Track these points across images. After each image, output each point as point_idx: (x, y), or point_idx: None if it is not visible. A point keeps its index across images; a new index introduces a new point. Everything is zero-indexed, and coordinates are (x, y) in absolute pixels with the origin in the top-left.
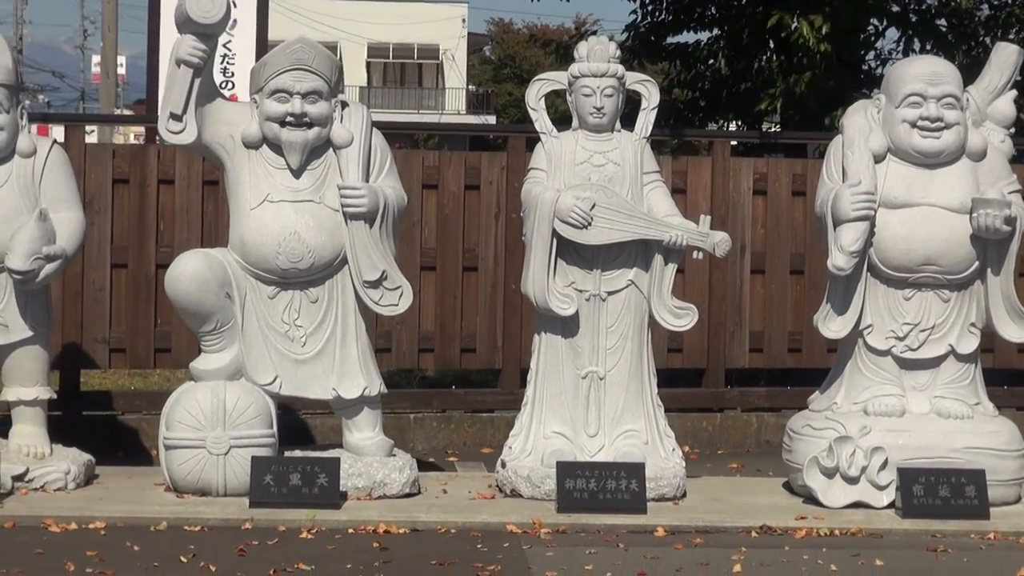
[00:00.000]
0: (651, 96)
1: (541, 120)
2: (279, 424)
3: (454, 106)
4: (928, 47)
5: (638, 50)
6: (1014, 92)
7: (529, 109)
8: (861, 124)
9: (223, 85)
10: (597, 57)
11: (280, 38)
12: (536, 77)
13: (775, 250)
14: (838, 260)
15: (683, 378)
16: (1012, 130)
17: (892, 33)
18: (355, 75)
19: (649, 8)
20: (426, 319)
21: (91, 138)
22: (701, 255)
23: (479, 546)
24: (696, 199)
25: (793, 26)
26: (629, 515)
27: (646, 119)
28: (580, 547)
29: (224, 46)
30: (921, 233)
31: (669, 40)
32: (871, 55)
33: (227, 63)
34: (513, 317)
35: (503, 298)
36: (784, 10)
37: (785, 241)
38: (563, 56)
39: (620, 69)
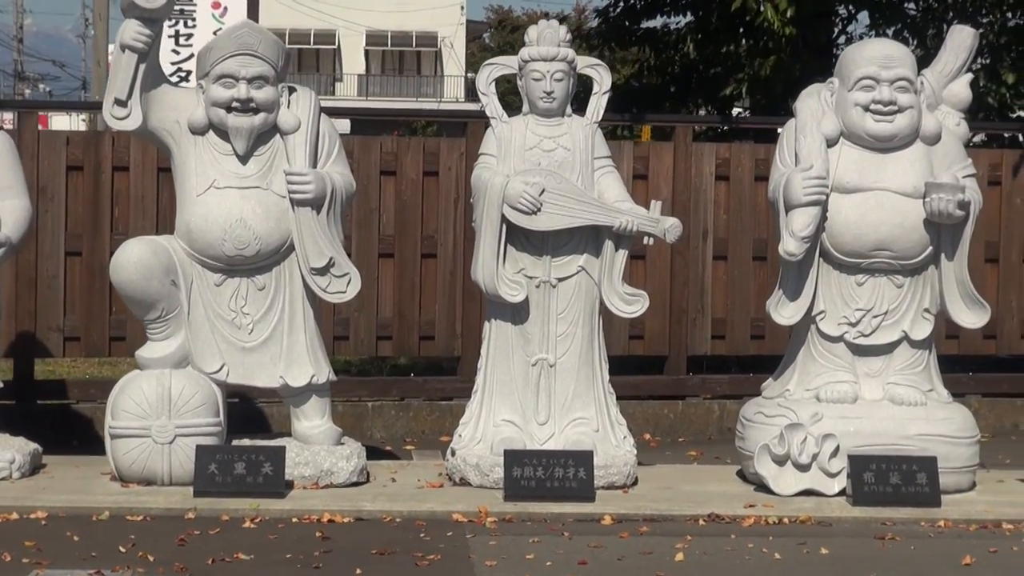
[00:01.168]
0: (602, 80)
1: (491, 105)
2: (234, 412)
3: (453, 94)
4: (898, 30)
5: (609, 35)
6: (970, 75)
7: (479, 94)
8: (814, 108)
9: None
10: (547, 41)
11: (280, 26)
12: (486, 62)
13: (737, 236)
14: (789, 245)
15: (651, 365)
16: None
17: (865, 17)
18: (354, 63)
19: None
20: (384, 306)
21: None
22: (652, 241)
23: (422, 535)
24: (658, 184)
25: (758, 9)
26: (577, 503)
27: (597, 104)
28: (524, 536)
29: (214, 34)
30: (873, 218)
31: (640, 26)
32: (842, 39)
33: None
34: (472, 304)
35: (462, 285)
36: None
37: (748, 226)
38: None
39: (570, 53)
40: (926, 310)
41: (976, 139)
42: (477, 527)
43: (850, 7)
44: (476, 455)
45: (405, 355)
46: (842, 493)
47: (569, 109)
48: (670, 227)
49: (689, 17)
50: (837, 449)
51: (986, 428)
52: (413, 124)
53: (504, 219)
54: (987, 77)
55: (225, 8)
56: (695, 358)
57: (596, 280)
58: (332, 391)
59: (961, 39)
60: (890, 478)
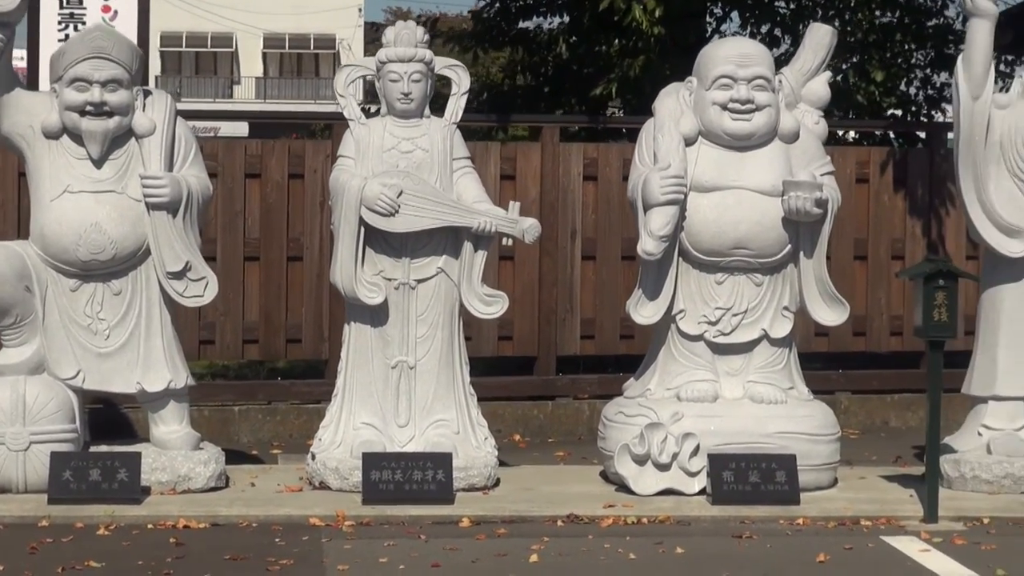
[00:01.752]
0: (461, 81)
1: (349, 107)
2: (99, 418)
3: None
4: (770, 29)
5: (481, 36)
6: (828, 73)
7: (337, 96)
8: (672, 107)
9: None
10: (404, 42)
11: (177, 29)
12: (344, 64)
13: (606, 235)
14: (647, 245)
15: (521, 366)
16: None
17: (738, 17)
18: (251, 66)
19: None
20: (250, 310)
21: None
22: (511, 241)
23: (277, 540)
24: (525, 185)
25: (626, 9)
26: (435, 506)
27: (456, 104)
28: (380, 539)
29: None
30: (732, 216)
31: (516, 26)
32: (715, 39)
33: None
34: (340, 307)
35: (329, 288)
36: None
37: (616, 226)
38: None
39: (428, 54)
40: (785, 308)
41: (849, 136)
42: (334, 531)
43: (722, 7)
44: (336, 459)
45: (272, 359)
46: (702, 492)
47: (428, 110)
48: (528, 228)
49: (561, 18)
50: (697, 448)
51: (856, 425)
52: (312, 127)
53: (362, 221)
54: (856, 75)
55: (115, 11)
56: (565, 358)
57: (455, 281)
58: (198, 395)
59: (819, 37)
60: (749, 476)
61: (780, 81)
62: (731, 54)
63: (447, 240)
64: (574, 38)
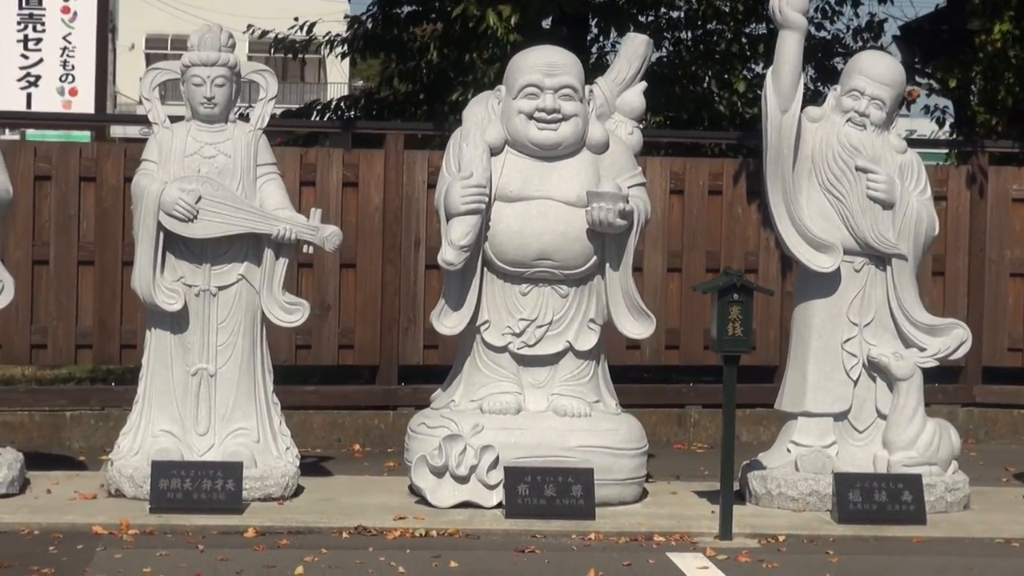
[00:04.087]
0: (268, 87)
1: (154, 110)
2: None
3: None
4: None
5: (354, 43)
6: (643, 84)
7: (143, 99)
8: (480, 115)
9: (63, 78)
10: (207, 46)
11: (162, 33)
12: (149, 67)
13: None
14: (447, 255)
15: (361, 375)
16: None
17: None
18: None
19: None
20: (84, 315)
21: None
22: (312, 249)
23: (51, 548)
24: (368, 193)
25: (480, 16)
26: (223, 515)
27: (263, 110)
28: (155, 549)
29: (64, 39)
30: (536, 227)
31: (392, 34)
32: (595, 49)
33: (67, 55)
34: None
35: None
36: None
37: None
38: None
39: (232, 58)
40: (592, 320)
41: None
42: (114, 540)
43: (596, 18)
44: (132, 466)
45: (105, 364)
46: (500, 506)
47: (234, 115)
48: (329, 236)
49: (435, 25)
50: (496, 461)
51: (706, 439)
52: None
53: (161, 226)
54: (719, 86)
55: (75, 12)
56: (409, 368)
57: (257, 289)
58: (30, 400)
59: (634, 47)
60: (544, 490)
61: (591, 91)
62: (538, 63)
63: (248, 247)
64: (447, 46)
